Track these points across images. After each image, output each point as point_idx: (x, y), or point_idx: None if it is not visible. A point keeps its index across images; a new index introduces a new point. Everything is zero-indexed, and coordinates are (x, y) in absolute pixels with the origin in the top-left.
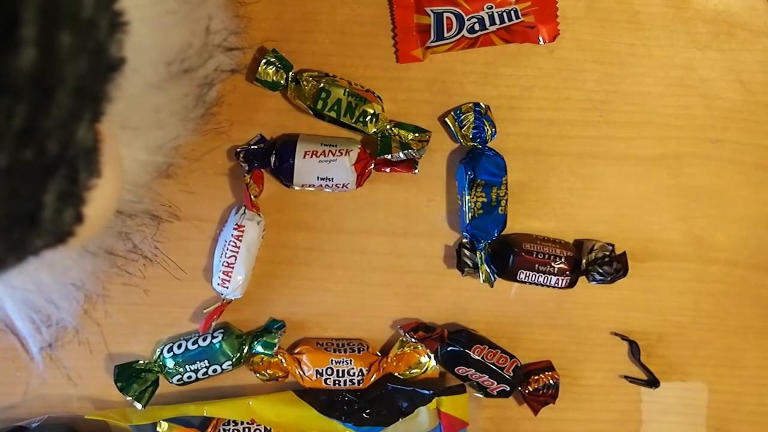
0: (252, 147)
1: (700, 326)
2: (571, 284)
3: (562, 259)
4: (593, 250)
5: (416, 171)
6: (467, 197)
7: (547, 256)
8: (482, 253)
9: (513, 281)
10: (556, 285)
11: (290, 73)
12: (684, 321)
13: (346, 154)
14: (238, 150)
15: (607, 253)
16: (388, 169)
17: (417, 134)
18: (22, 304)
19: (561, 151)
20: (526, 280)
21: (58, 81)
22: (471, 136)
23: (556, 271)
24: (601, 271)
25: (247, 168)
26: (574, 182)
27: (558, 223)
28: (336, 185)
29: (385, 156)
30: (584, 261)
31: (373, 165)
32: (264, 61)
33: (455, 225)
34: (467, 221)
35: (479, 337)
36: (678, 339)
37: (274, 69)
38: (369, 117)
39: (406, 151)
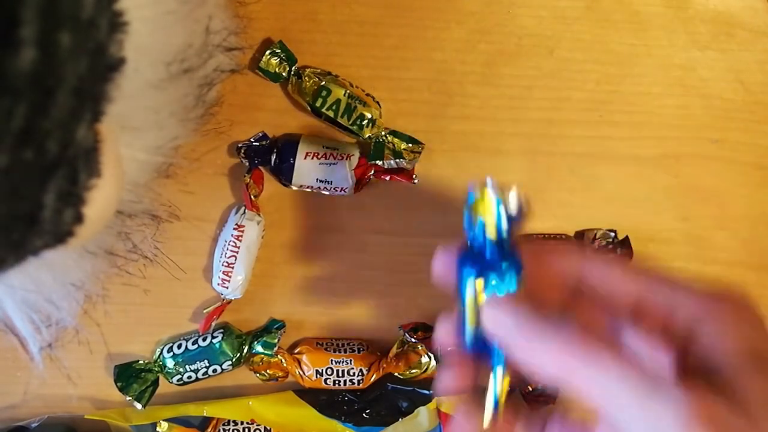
0: (254, 143)
1: None
2: None
3: None
4: (596, 239)
5: (416, 181)
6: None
7: None
8: None
9: None
10: None
11: (293, 67)
12: None
13: (347, 159)
14: (240, 145)
15: (610, 240)
16: (387, 177)
17: (410, 144)
18: (22, 304)
19: (561, 151)
20: None
21: (58, 81)
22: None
23: None
24: None
25: (247, 164)
26: (574, 182)
27: (558, 223)
28: (334, 188)
29: (376, 162)
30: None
31: (372, 172)
32: (269, 51)
33: (455, 225)
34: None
35: None
36: None
37: (277, 60)
38: (366, 121)
39: (397, 160)
